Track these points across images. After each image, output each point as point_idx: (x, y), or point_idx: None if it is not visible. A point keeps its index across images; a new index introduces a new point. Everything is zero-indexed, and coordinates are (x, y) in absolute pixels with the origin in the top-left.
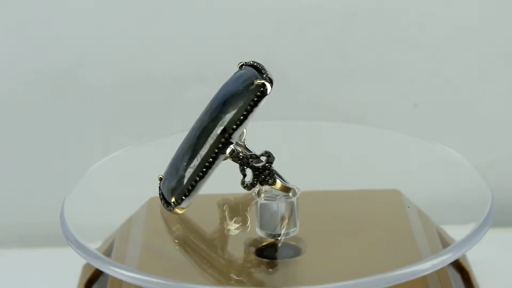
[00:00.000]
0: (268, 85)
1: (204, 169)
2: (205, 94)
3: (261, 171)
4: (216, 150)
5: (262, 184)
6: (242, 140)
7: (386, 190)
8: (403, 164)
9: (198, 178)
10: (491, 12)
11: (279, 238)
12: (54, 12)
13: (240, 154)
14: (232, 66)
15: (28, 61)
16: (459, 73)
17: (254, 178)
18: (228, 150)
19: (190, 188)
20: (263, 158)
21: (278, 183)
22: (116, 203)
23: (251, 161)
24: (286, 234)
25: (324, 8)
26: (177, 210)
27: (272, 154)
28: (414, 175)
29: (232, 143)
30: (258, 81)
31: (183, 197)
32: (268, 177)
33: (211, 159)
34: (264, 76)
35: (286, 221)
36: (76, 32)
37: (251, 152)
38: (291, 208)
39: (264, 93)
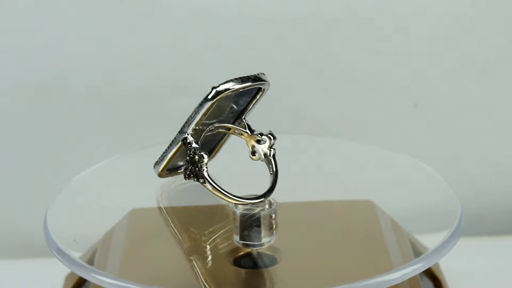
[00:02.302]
0: (213, 90)
1: (170, 145)
2: (187, 105)
3: (193, 165)
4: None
5: (188, 177)
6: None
7: (359, 200)
8: (375, 175)
9: (166, 150)
10: (463, 25)
11: (255, 248)
12: (36, 23)
13: (190, 144)
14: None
15: (10, 72)
16: (431, 85)
17: (186, 168)
18: (183, 137)
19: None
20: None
21: (209, 186)
22: (98, 213)
23: (194, 153)
24: (263, 244)
25: (301, 21)
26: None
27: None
28: (386, 187)
29: (185, 133)
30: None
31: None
32: (193, 174)
33: (174, 139)
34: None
35: (262, 232)
36: (59, 43)
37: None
38: (268, 218)
39: (207, 97)
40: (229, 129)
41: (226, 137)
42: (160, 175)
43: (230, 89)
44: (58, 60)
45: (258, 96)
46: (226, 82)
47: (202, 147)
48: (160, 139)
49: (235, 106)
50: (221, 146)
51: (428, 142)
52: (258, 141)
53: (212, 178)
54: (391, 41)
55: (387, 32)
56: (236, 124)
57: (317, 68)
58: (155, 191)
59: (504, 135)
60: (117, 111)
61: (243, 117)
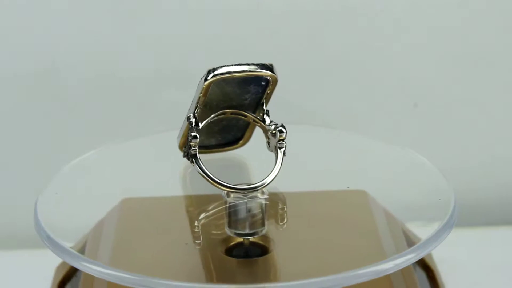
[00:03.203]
0: (207, 71)
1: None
2: (178, 96)
3: (188, 146)
4: None
5: (184, 156)
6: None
7: (353, 190)
8: (369, 166)
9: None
10: (458, 19)
11: (247, 238)
12: (27, 14)
13: (191, 122)
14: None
15: (0, 63)
16: (427, 78)
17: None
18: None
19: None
20: None
21: (197, 168)
22: (89, 203)
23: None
24: (255, 233)
25: (296, 14)
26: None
27: None
28: (380, 177)
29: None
30: None
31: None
32: (186, 153)
33: None
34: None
35: (254, 221)
36: (51, 33)
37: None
38: (259, 208)
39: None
40: (245, 116)
41: (251, 125)
42: (181, 148)
43: (224, 72)
44: (51, 51)
45: (270, 86)
46: (223, 66)
47: (227, 132)
48: (151, 129)
49: (247, 94)
50: (250, 133)
51: (422, 133)
52: (272, 133)
53: (201, 160)
54: (385, 34)
55: (382, 25)
56: (256, 113)
57: (312, 61)
58: (146, 181)
59: (497, 128)
60: (108, 102)
61: (263, 107)
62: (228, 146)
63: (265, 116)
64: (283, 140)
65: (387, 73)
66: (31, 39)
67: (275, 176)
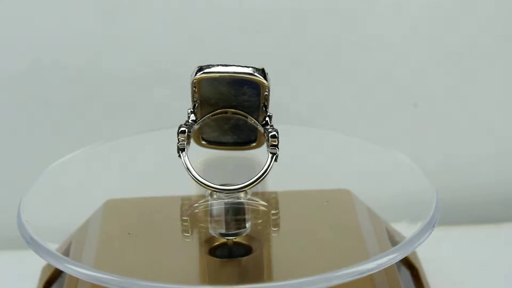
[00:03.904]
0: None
1: None
2: (163, 96)
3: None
4: None
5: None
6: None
7: (337, 190)
8: (353, 165)
9: None
10: (440, 16)
11: (231, 238)
12: (7, 12)
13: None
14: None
15: None
16: (410, 76)
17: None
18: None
19: None
20: None
21: (183, 162)
22: (73, 204)
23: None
24: (238, 233)
25: (278, 11)
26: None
27: None
28: (364, 176)
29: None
30: None
31: None
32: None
33: None
34: None
35: (237, 221)
36: (34, 33)
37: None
38: (243, 208)
39: None
40: (246, 117)
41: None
42: (195, 141)
43: (210, 72)
44: (36, 48)
45: (266, 91)
46: (212, 66)
47: (239, 131)
48: (134, 129)
49: (244, 95)
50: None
51: (406, 133)
52: (267, 138)
53: (187, 157)
54: (369, 31)
55: (366, 22)
56: (260, 115)
57: (296, 59)
58: (130, 181)
59: (480, 127)
60: (91, 101)
61: (265, 109)
62: (246, 145)
63: (267, 119)
64: (275, 146)
65: (371, 72)
66: (13, 39)
67: (257, 179)
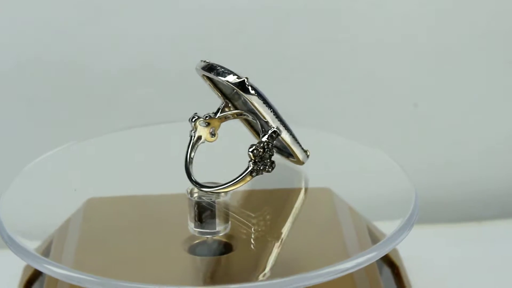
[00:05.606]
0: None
1: None
2: (145, 93)
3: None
4: None
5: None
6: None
7: (317, 188)
8: (333, 164)
9: None
10: (424, 14)
11: (211, 236)
12: None
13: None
14: (170, 67)
15: None
16: (393, 75)
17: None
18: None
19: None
20: None
21: None
22: (53, 203)
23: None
24: (218, 232)
25: (259, 10)
26: None
27: None
28: (344, 175)
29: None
30: None
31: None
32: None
33: None
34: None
35: (217, 219)
36: (16, 32)
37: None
38: (223, 206)
39: None
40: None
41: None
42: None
43: (204, 70)
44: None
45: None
46: (210, 65)
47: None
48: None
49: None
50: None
51: (387, 131)
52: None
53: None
54: (351, 30)
55: (348, 21)
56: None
57: (278, 58)
58: (111, 179)
59: (460, 126)
60: (72, 99)
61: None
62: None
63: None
64: (250, 160)
65: (353, 71)
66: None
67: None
